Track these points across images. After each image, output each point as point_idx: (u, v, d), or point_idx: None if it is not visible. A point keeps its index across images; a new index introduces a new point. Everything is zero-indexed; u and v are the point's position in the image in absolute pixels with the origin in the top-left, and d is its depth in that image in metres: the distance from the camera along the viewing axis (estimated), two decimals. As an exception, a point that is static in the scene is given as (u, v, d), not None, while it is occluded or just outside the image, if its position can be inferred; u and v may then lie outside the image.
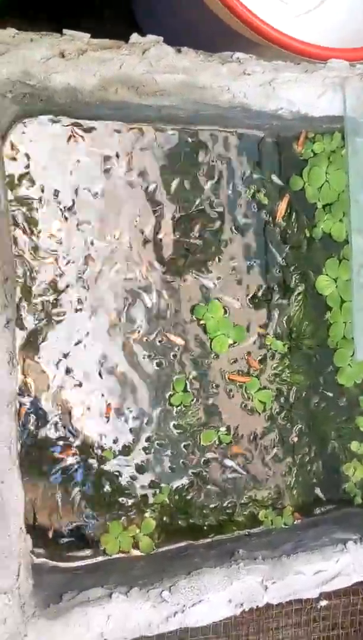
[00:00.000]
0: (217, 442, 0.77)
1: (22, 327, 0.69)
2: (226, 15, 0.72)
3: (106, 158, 0.72)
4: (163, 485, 0.75)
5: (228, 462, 0.78)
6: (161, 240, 0.75)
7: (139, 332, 0.74)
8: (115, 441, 0.73)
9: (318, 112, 0.73)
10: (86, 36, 0.64)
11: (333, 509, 0.82)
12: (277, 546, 0.73)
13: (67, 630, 0.62)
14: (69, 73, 0.63)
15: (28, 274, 0.69)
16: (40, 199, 0.70)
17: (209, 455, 0.77)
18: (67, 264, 0.71)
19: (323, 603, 0.88)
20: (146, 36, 0.66)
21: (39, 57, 0.62)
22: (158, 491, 0.74)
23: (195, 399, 0.76)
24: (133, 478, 0.74)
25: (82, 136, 0.71)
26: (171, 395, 0.75)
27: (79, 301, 0.71)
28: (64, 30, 0.64)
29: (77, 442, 0.72)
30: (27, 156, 0.69)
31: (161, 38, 0.67)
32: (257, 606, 0.70)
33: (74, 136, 0.71)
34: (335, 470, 0.83)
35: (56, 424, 0.71)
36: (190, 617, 0.66)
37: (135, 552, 0.73)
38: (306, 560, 0.71)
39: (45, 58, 0.62)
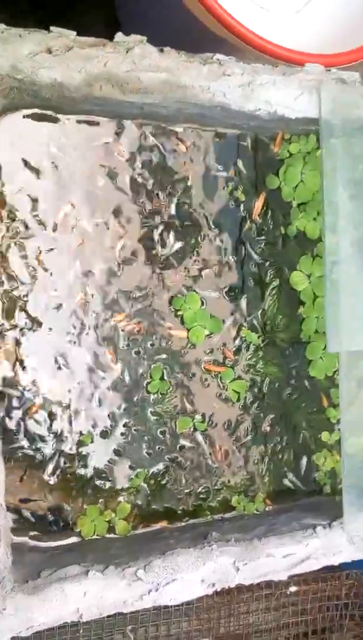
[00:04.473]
0: (192, 430, 0.80)
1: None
2: (207, 18, 0.75)
3: (91, 152, 0.75)
4: (139, 470, 0.77)
5: (202, 449, 0.80)
6: (140, 234, 0.77)
7: (120, 320, 0.76)
8: (94, 426, 0.75)
9: (294, 113, 0.76)
10: (73, 33, 0.67)
11: (303, 497, 0.85)
12: (249, 530, 0.76)
13: (44, 605, 0.64)
14: (55, 69, 0.65)
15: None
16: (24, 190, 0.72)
17: (184, 442, 0.79)
18: (49, 253, 0.73)
19: (293, 589, 0.90)
20: (130, 35, 0.69)
21: (27, 52, 0.64)
22: (134, 475, 0.77)
23: (172, 387, 0.79)
24: (111, 462, 0.76)
25: (65, 130, 0.73)
26: (148, 383, 0.77)
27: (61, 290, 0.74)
28: (52, 27, 0.66)
29: (55, 426, 0.74)
30: (12, 148, 0.71)
31: (145, 38, 0.69)
32: (229, 587, 0.72)
33: (57, 130, 0.73)
34: (305, 460, 0.86)
35: (32, 409, 0.73)
36: (164, 596, 0.68)
37: (110, 536, 0.75)
38: (277, 543, 0.74)
39: (33, 53, 0.65)
